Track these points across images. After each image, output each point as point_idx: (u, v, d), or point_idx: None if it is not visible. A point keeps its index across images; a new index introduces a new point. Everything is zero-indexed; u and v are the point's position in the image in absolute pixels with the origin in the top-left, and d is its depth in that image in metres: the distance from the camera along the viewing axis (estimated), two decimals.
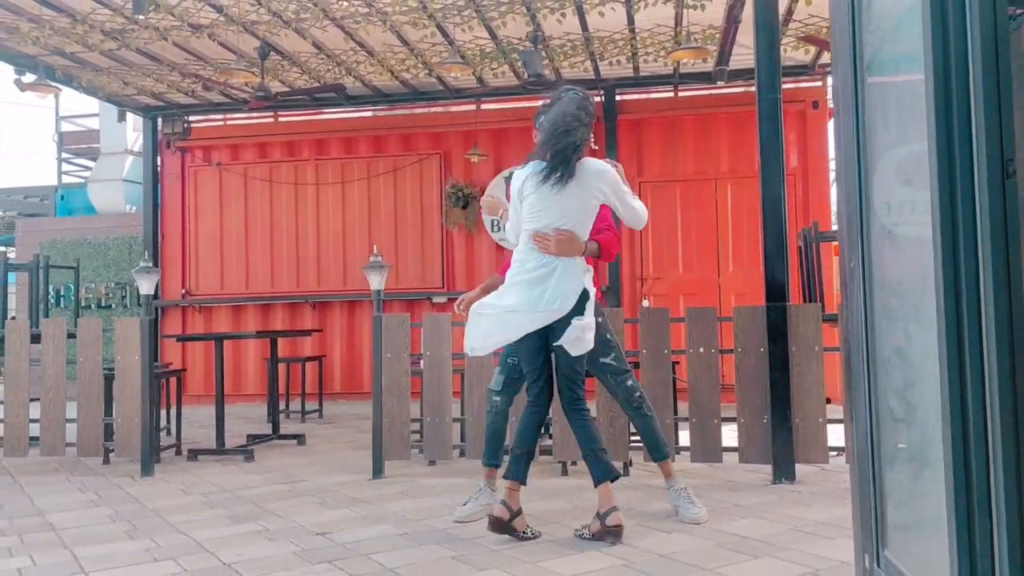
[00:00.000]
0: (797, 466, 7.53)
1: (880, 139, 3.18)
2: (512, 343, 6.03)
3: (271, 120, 16.38)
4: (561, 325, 5.77)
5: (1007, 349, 2.21)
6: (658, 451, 6.43)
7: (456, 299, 12.73)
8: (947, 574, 2.37)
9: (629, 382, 6.47)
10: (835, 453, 7.85)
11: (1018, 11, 2.26)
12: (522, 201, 5.86)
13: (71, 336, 9.29)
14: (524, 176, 5.88)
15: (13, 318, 12.86)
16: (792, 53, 12.56)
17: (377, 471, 8.16)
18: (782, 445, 7.49)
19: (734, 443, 7.78)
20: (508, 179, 14.67)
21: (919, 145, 2.49)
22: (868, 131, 3.26)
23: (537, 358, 5.93)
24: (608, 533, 5.64)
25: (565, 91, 5.98)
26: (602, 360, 6.27)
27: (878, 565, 3.21)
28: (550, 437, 8.40)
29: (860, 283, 3.31)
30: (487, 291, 6.98)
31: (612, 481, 5.80)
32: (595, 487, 5.85)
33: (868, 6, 3.23)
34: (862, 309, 3.30)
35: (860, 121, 3.30)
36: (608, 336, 6.30)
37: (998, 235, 2.21)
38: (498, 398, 6.60)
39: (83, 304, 16.57)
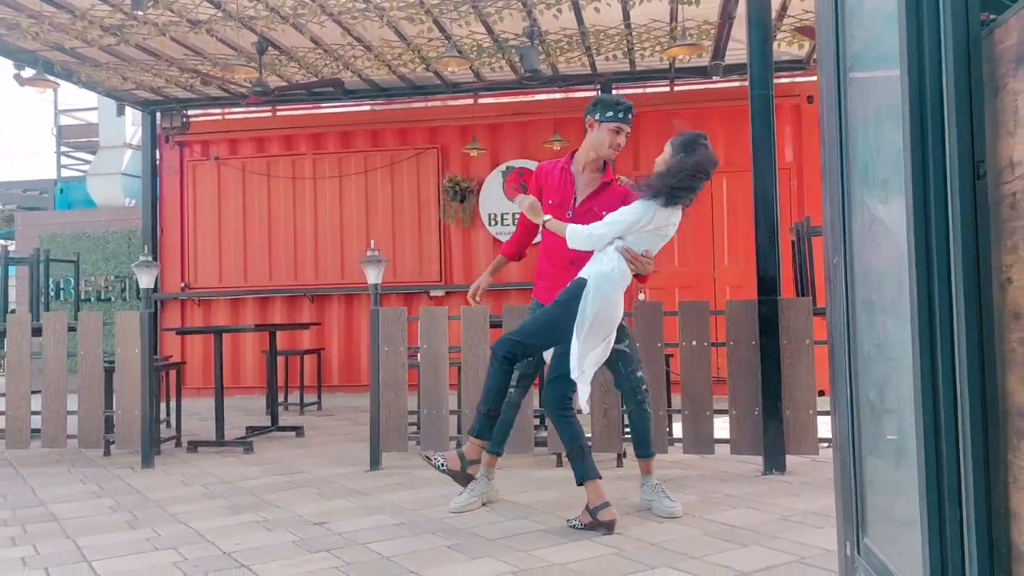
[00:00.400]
0: (788, 457, 7.62)
1: (861, 138, 3.26)
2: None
3: (269, 114, 16.44)
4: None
5: (976, 344, 2.27)
6: (646, 448, 6.50)
7: (444, 292, 12.68)
8: (920, 561, 2.45)
9: (639, 373, 6.53)
10: (825, 444, 7.91)
11: (991, 16, 2.33)
12: (649, 228, 5.94)
13: (72, 329, 9.36)
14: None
15: (13, 311, 12.93)
16: (787, 48, 12.63)
17: (375, 462, 8.24)
18: (773, 436, 7.58)
19: (726, 435, 7.86)
20: (505, 174, 14.87)
21: (896, 145, 2.57)
22: (851, 130, 3.34)
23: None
24: (600, 525, 5.74)
25: (702, 140, 6.06)
26: (616, 346, 6.30)
27: (859, 552, 3.30)
28: (545, 429, 8.50)
29: (843, 279, 3.39)
30: (495, 272, 7.08)
31: (599, 480, 5.91)
32: (578, 485, 5.96)
33: (851, 9, 3.30)
34: (844, 304, 3.38)
35: (843, 120, 3.37)
36: (623, 324, 6.35)
37: (968, 233, 2.28)
38: (513, 390, 6.63)
39: (82, 297, 16.64)
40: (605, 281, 5.86)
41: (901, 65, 2.49)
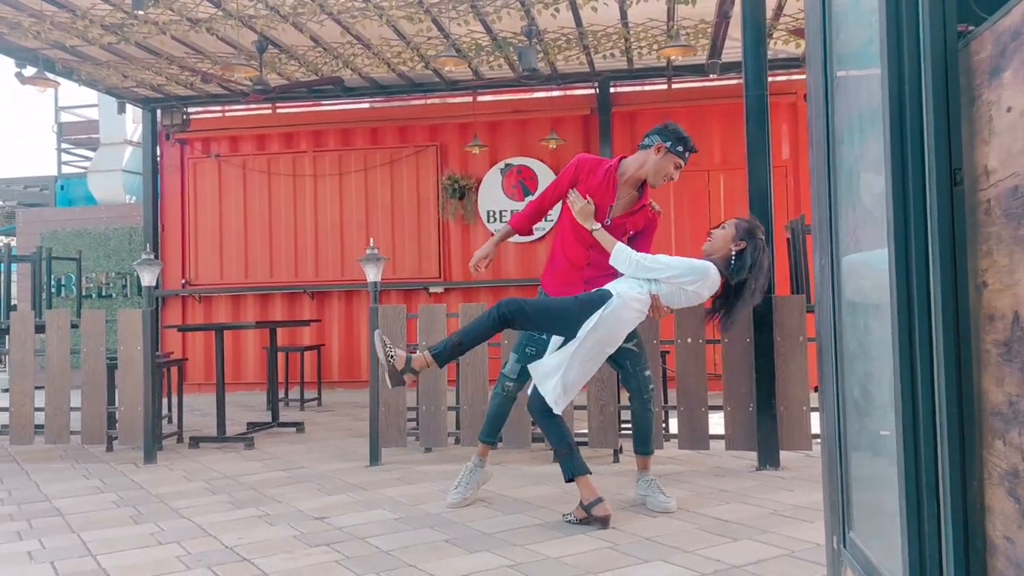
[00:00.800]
0: (781, 453, 7.69)
1: (846, 141, 3.34)
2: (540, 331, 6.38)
3: (269, 112, 16.49)
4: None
5: (953, 345, 2.34)
6: (646, 446, 6.57)
7: (444, 288, 12.67)
8: (899, 553, 2.53)
9: (647, 372, 6.57)
10: (819, 440, 7.98)
11: (968, 28, 2.39)
12: (689, 288, 6.10)
13: (75, 326, 9.44)
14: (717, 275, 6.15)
15: (14, 307, 12.99)
16: (783, 46, 12.68)
17: (374, 458, 8.31)
18: (767, 432, 7.65)
19: (721, 431, 7.93)
20: (504, 171, 14.93)
21: (877, 150, 2.64)
22: (837, 133, 3.42)
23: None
24: (594, 520, 5.82)
25: (760, 235, 6.28)
26: (625, 345, 6.32)
27: (844, 546, 3.38)
28: None
29: (829, 280, 3.47)
30: (501, 241, 7.16)
31: (589, 475, 6.00)
32: (567, 482, 6.06)
33: (839, 14, 3.38)
34: (831, 305, 3.46)
35: (830, 123, 3.45)
36: (631, 329, 6.37)
37: (946, 238, 2.33)
38: (511, 384, 6.70)
39: (84, 293, 16.71)
40: (630, 305, 5.96)
41: (882, 74, 2.55)
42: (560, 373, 5.93)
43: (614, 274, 6.23)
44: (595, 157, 6.81)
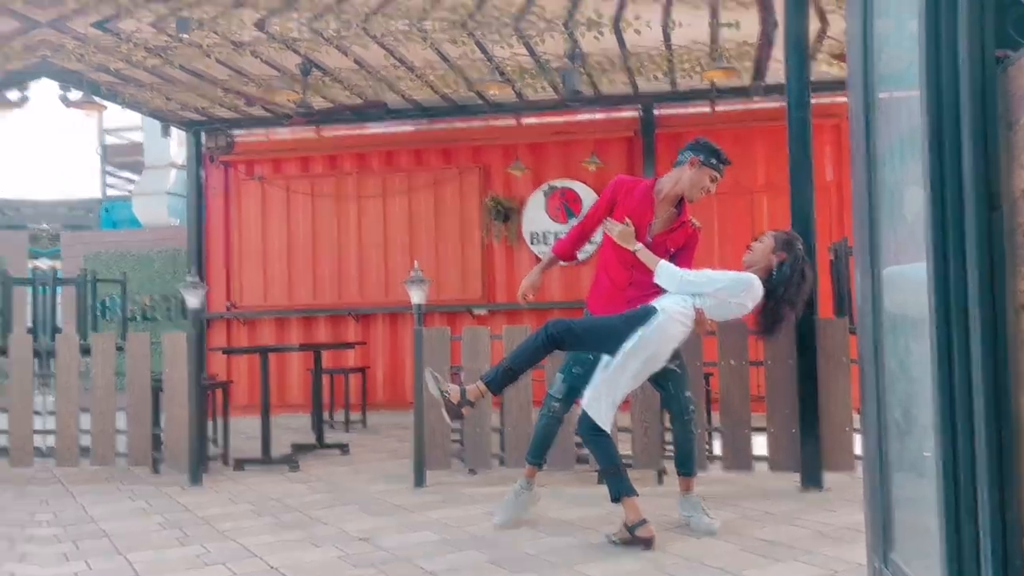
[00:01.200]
0: (825, 473, 7.67)
1: (887, 165, 3.36)
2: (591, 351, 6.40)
3: (313, 134, 16.56)
4: None
5: (991, 367, 2.36)
6: (689, 466, 6.59)
7: (487, 310, 12.63)
8: (939, 573, 2.55)
9: (687, 393, 6.62)
10: (862, 461, 7.97)
11: (1007, 53, 2.41)
12: (733, 301, 6.15)
13: (120, 349, 9.52)
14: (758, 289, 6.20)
15: (59, 330, 13.10)
16: (827, 68, 12.66)
17: (419, 480, 8.34)
18: (810, 453, 7.64)
19: (764, 452, 7.93)
20: (547, 193, 14.94)
21: (916, 174, 2.66)
22: (878, 156, 3.44)
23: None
24: (638, 541, 5.83)
25: (798, 245, 6.35)
26: (668, 366, 6.36)
27: (886, 566, 3.39)
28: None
29: (871, 303, 3.49)
30: (546, 269, 7.22)
31: (635, 496, 6.03)
32: (613, 502, 6.08)
33: (881, 36, 3.40)
34: (871, 327, 3.47)
35: (871, 146, 3.46)
36: (677, 345, 6.42)
37: (984, 261, 2.35)
38: (557, 404, 6.77)
39: (128, 316, 16.82)
40: (675, 319, 6.00)
41: (920, 100, 2.57)
42: (607, 389, 5.99)
43: (656, 293, 6.28)
44: (633, 178, 6.98)
